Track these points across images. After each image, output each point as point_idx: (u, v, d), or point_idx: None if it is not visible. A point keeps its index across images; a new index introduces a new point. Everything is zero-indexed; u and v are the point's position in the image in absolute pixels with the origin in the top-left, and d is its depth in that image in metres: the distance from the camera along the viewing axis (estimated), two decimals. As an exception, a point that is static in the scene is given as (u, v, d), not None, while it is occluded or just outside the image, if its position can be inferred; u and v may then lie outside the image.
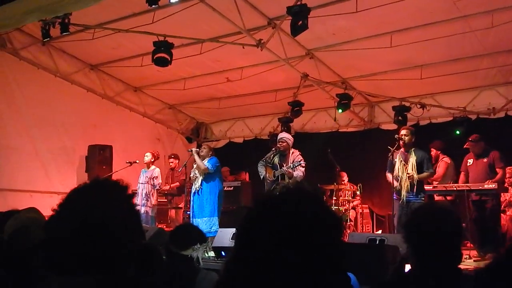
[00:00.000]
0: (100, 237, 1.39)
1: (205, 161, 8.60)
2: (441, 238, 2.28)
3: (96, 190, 1.52)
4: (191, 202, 8.64)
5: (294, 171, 7.89)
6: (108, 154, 10.35)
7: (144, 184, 9.56)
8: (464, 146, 8.18)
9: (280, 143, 8.20)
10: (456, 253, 2.36)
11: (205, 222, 8.23)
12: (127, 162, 9.60)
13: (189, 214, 8.75)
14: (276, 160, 8.22)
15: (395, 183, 7.46)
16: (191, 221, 8.30)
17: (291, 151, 8.20)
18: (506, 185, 8.01)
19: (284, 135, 8.51)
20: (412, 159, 7.40)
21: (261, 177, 8.26)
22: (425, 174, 7.47)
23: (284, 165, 8.00)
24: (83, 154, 10.40)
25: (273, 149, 8.46)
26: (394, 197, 7.56)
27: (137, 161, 9.72)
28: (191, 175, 8.75)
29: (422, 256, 2.31)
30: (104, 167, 10.12)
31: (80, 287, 1.36)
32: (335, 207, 9.44)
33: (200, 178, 8.56)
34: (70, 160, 10.24)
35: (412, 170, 7.34)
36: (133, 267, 1.50)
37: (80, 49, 9.65)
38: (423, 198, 7.41)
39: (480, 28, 7.30)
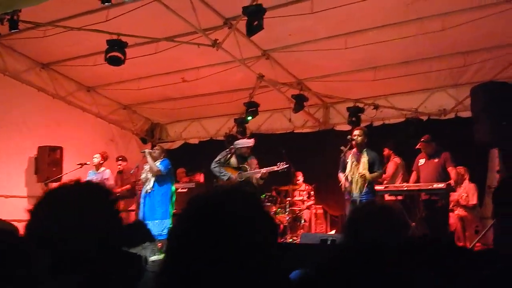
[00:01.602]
0: (80, 238, 1.37)
1: (158, 163, 8.52)
2: (377, 236, 2.30)
3: (79, 191, 1.50)
4: (142, 204, 8.53)
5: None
6: (59, 155, 10.09)
7: (95, 186, 9.37)
8: (416, 147, 8.37)
9: (248, 148, 8.44)
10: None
11: (157, 225, 8.15)
12: (77, 164, 9.43)
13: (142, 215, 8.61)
14: (234, 161, 8.33)
15: (347, 184, 7.59)
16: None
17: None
18: (453, 185, 8.23)
19: (252, 142, 8.65)
20: (364, 159, 7.57)
21: (225, 178, 8.26)
22: (375, 174, 7.65)
23: (248, 168, 8.30)
24: (32, 155, 10.10)
25: (227, 150, 8.59)
26: (346, 197, 7.69)
27: (88, 163, 9.56)
28: (142, 176, 8.64)
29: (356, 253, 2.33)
30: (54, 168, 9.86)
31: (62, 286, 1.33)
32: (289, 208, 9.52)
33: (152, 180, 8.47)
34: (18, 161, 9.89)
35: (364, 170, 7.49)
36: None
37: (30, 47, 9.35)
38: (373, 197, 7.56)
39: (432, 31, 7.47)
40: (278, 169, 8.28)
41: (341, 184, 7.70)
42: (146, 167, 8.68)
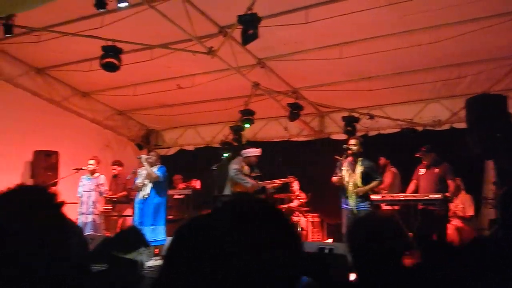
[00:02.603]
0: (16, 248, 1.30)
1: (154, 169, 8.52)
2: (381, 247, 2.29)
3: (20, 196, 1.43)
4: (137, 209, 8.51)
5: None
6: (54, 160, 10.09)
7: (90, 191, 9.35)
8: (416, 155, 8.37)
9: (256, 157, 8.70)
10: (398, 261, 2.36)
11: (151, 231, 8.15)
12: (73, 169, 9.40)
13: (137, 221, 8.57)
14: (246, 169, 8.62)
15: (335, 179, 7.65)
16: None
17: None
18: (449, 196, 8.22)
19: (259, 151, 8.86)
20: (359, 169, 7.54)
21: (248, 185, 8.44)
22: (374, 183, 7.63)
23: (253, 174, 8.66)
24: (28, 160, 10.08)
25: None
26: (342, 206, 7.66)
27: (84, 168, 9.51)
28: (138, 181, 8.60)
29: (363, 265, 2.31)
30: (49, 173, 9.85)
31: None
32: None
33: (149, 186, 8.46)
34: (14, 166, 9.86)
35: (359, 179, 7.49)
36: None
37: (25, 52, 9.34)
38: (369, 206, 7.55)
39: (425, 43, 7.48)
40: (289, 181, 8.95)
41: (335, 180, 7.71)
42: (142, 172, 8.66)
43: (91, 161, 9.58)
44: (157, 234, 8.18)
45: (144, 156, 8.81)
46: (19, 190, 1.48)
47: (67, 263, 1.50)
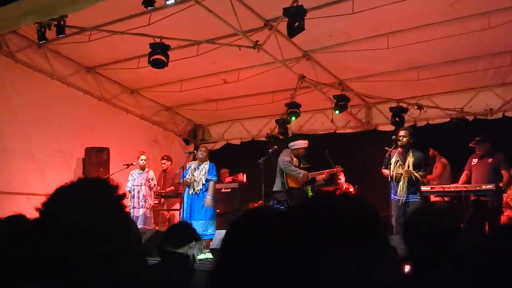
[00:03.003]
0: (87, 240, 1.31)
1: (206, 165, 8.67)
2: (438, 239, 2.27)
3: (84, 189, 1.44)
4: (187, 204, 8.59)
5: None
6: (105, 156, 10.32)
7: (141, 186, 9.56)
8: (470, 145, 8.19)
9: (304, 148, 8.75)
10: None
11: (202, 225, 8.28)
12: (124, 164, 9.61)
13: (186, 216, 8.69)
14: (295, 161, 8.67)
15: (391, 183, 7.51)
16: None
17: None
18: (503, 186, 8.00)
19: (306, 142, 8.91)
20: (410, 160, 7.45)
21: (300, 175, 8.50)
22: (420, 173, 7.51)
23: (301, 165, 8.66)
24: (80, 157, 10.37)
25: (270, 150, 8.86)
26: (392, 198, 7.57)
27: (134, 163, 9.72)
28: (187, 176, 8.68)
29: (420, 257, 2.30)
30: (101, 169, 10.09)
31: None
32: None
33: (203, 180, 8.56)
34: (67, 162, 10.19)
35: (411, 168, 7.41)
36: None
37: (76, 52, 9.62)
38: (419, 197, 7.45)
39: (477, 30, 7.28)
40: (337, 171, 8.85)
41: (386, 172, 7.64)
42: (193, 165, 8.75)
43: (143, 156, 9.77)
44: (207, 228, 8.29)
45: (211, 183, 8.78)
46: (83, 183, 1.49)
47: (129, 255, 1.52)
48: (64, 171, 9.95)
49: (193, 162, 8.93)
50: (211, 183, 8.64)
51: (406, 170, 7.40)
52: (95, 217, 1.36)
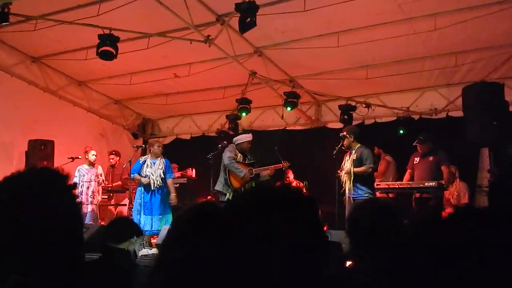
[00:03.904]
0: (38, 232, 1.25)
1: (162, 161, 8.55)
2: (380, 232, 2.32)
3: (34, 178, 1.37)
4: (143, 200, 8.43)
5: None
6: (50, 150, 9.98)
7: (90, 182, 9.34)
8: (413, 144, 8.40)
9: (248, 142, 8.64)
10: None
11: (160, 220, 8.26)
12: (69, 158, 9.37)
13: (135, 211, 8.52)
14: (240, 157, 8.54)
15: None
16: (140, 219, 8.17)
17: None
18: (444, 183, 8.26)
19: (250, 136, 8.81)
20: (352, 156, 7.63)
21: (241, 174, 8.35)
22: (361, 168, 7.63)
23: (246, 161, 8.57)
24: (22, 150, 10.00)
25: (219, 146, 8.91)
26: (344, 196, 7.74)
27: (80, 157, 9.48)
28: (144, 175, 8.51)
29: (361, 250, 2.34)
30: (45, 162, 9.77)
31: None
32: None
33: (162, 174, 8.45)
34: (8, 156, 9.80)
35: (350, 166, 7.55)
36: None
37: (21, 41, 9.26)
38: (366, 195, 7.52)
39: (424, 31, 7.50)
40: (282, 166, 8.71)
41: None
42: (146, 161, 8.58)
43: (93, 152, 9.54)
44: (166, 223, 8.19)
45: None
46: (33, 171, 1.42)
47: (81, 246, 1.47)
48: (4, 165, 9.58)
49: (146, 157, 8.74)
50: (170, 180, 8.56)
51: (346, 172, 7.59)
52: (47, 205, 1.30)
